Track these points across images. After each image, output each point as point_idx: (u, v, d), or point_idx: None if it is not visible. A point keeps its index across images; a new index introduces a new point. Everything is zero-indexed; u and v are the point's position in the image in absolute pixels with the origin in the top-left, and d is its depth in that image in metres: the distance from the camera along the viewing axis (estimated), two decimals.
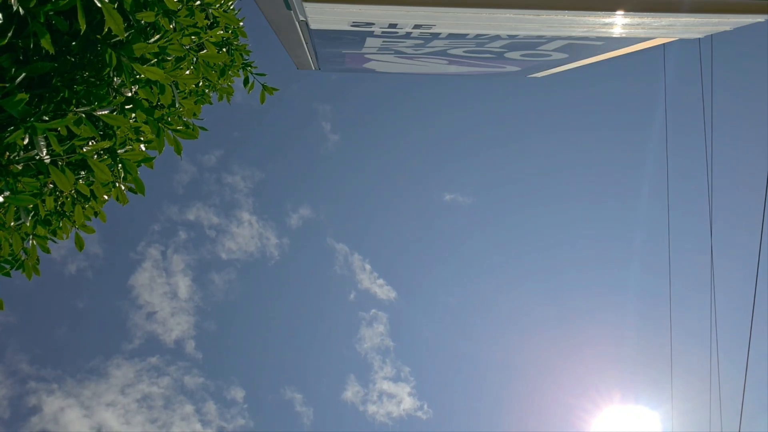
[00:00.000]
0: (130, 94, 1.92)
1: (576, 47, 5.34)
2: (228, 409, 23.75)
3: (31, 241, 2.18)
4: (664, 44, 5.16)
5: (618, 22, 4.15)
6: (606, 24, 4.19)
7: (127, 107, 1.96)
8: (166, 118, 2.35)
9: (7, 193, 1.62)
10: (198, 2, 2.32)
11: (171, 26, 2.02)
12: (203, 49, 2.43)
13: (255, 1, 3.83)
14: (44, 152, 1.55)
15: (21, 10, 1.43)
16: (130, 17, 1.78)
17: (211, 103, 3.08)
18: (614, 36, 4.66)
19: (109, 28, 1.72)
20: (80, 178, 1.97)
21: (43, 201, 2.02)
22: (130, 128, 2.03)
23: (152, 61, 1.96)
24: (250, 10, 3.80)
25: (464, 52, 5.74)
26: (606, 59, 6.04)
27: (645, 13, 3.79)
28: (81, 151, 1.75)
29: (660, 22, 4.10)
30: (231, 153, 26.50)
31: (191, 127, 2.46)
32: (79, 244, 2.31)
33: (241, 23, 3.09)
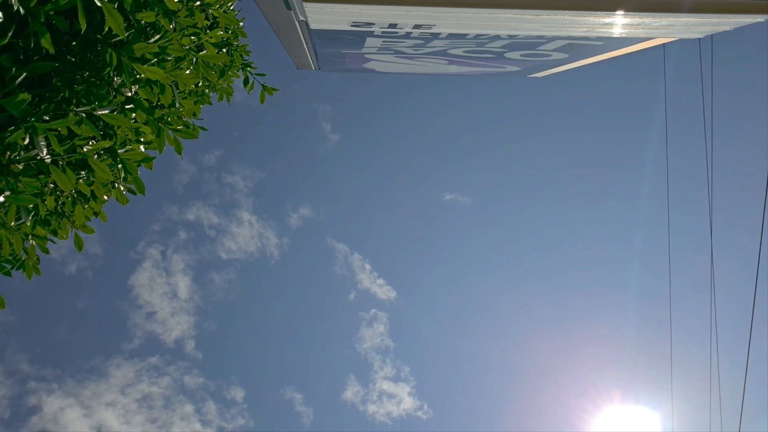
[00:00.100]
0: (130, 94, 1.92)
1: (576, 47, 5.34)
2: (228, 409, 23.76)
3: (30, 242, 2.18)
4: (664, 44, 5.16)
5: (618, 22, 4.15)
6: (606, 24, 4.19)
7: (127, 107, 1.96)
8: (166, 118, 2.36)
9: (7, 193, 1.62)
10: (198, 3, 2.32)
11: (171, 26, 2.02)
12: (203, 50, 2.43)
13: (255, 1, 3.84)
14: (44, 152, 1.55)
15: (21, 9, 1.43)
16: (131, 17, 1.78)
17: (210, 104, 3.08)
18: (614, 36, 4.66)
19: (110, 28, 1.72)
20: (81, 178, 1.97)
21: (44, 201, 2.02)
22: (131, 129, 2.03)
23: (152, 61, 1.97)
24: (250, 10, 3.81)
25: (464, 52, 5.74)
26: (606, 59, 6.04)
27: (645, 13, 3.79)
28: (81, 151, 1.75)
29: (660, 22, 4.10)
30: (231, 153, 26.52)
31: (191, 127, 2.46)
32: (79, 244, 2.31)
33: (241, 23, 3.09)
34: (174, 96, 2.12)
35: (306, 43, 5.35)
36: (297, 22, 4.37)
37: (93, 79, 1.78)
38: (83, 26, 1.50)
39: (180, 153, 2.23)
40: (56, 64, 1.67)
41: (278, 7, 3.88)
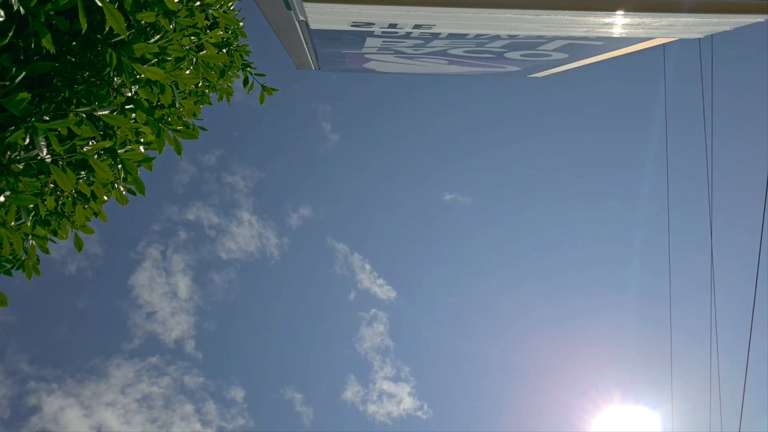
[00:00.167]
0: (130, 94, 1.92)
1: (576, 47, 5.34)
2: (228, 409, 23.76)
3: (30, 242, 2.18)
4: (664, 44, 5.17)
5: (618, 22, 4.15)
6: (606, 24, 4.19)
7: (127, 107, 1.96)
8: (166, 118, 2.36)
9: (8, 193, 1.62)
10: (198, 3, 2.32)
11: (171, 26, 2.02)
12: (203, 50, 2.43)
13: (255, 1, 3.84)
14: (45, 152, 1.55)
15: (22, 9, 1.43)
16: (131, 17, 1.78)
17: (210, 104, 3.08)
18: (614, 36, 4.66)
19: (110, 28, 1.72)
20: (81, 178, 1.97)
21: (44, 201, 2.02)
22: (131, 129, 2.03)
23: (152, 61, 1.97)
24: (250, 10, 3.81)
25: (464, 52, 5.74)
26: (606, 59, 6.04)
27: (645, 13, 3.79)
28: (82, 151, 1.76)
29: (660, 22, 4.10)
30: (231, 153, 26.53)
31: (191, 127, 2.46)
32: (79, 245, 2.31)
33: (241, 23, 3.09)
34: (174, 96, 2.13)
35: (306, 43, 5.35)
36: (297, 22, 4.37)
37: (93, 80, 1.78)
38: (84, 26, 1.50)
39: (180, 153, 2.23)
40: (56, 64, 1.67)
41: (278, 7, 3.89)
